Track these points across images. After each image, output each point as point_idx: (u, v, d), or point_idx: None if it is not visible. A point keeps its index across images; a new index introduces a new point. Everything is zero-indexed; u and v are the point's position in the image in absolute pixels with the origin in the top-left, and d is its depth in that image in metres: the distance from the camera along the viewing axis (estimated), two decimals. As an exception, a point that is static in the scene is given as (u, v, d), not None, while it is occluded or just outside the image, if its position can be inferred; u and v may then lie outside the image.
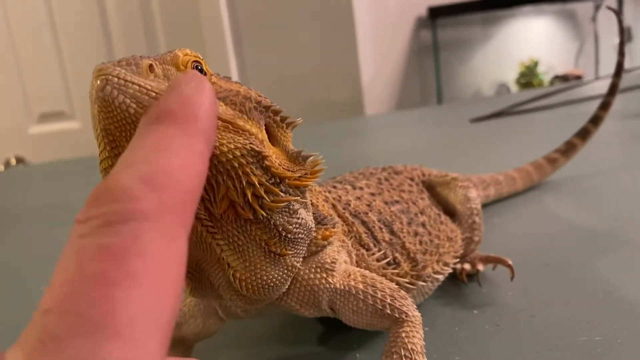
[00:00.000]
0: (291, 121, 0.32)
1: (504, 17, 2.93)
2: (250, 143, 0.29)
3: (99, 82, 0.26)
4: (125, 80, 0.26)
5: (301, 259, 0.33)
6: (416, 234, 0.43)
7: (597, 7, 3.25)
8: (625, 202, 0.66)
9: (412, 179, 0.51)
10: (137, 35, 2.34)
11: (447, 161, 0.76)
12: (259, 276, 0.31)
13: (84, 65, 2.34)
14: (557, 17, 3.23)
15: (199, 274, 0.32)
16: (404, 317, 0.34)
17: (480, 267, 0.48)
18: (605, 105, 0.76)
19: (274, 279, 0.31)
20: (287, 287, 0.33)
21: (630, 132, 1.00)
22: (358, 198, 0.42)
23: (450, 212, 0.51)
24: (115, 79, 0.26)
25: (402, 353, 0.33)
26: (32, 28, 2.28)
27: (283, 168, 0.30)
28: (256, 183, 0.29)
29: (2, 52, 2.27)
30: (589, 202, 0.69)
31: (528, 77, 2.73)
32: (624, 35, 0.77)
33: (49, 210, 1.03)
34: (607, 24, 3.29)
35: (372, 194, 0.44)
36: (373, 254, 0.39)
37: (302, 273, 0.34)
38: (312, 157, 0.32)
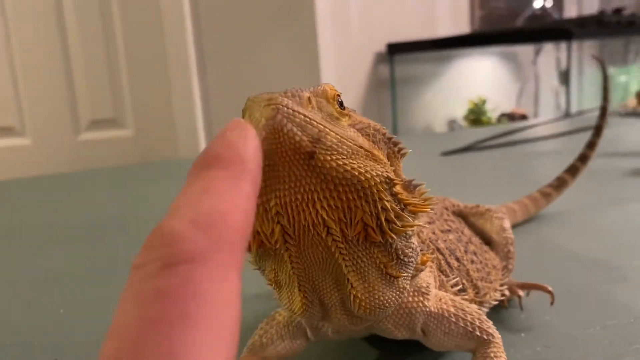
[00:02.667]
0: (405, 152, 0.35)
1: (453, 57, 3.08)
2: (386, 171, 0.31)
3: (269, 110, 0.27)
4: (293, 110, 0.28)
5: (409, 282, 0.35)
6: (472, 261, 0.46)
7: (537, 52, 3.48)
8: (619, 234, 0.72)
9: (446, 209, 0.54)
10: (100, 66, 2.30)
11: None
12: (376, 297, 0.33)
13: (37, 83, 2.27)
14: (501, 58, 3.43)
15: (312, 295, 0.33)
16: (491, 338, 0.37)
17: (521, 293, 0.52)
18: (591, 145, 0.82)
19: (388, 300, 0.33)
20: (393, 309, 0.35)
21: (596, 170, 1.08)
22: (425, 226, 0.45)
23: (485, 241, 0.54)
24: (285, 109, 0.27)
25: (492, 372, 0.36)
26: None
27: (406, 195, 0.32)
28: (389, 208, 0.31)
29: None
30: (581, 233, 0.74)
31: (476, 114, 2.87)
32: (606, 81, 0.84)
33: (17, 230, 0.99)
34: (546, 67, 3.52)
35: (429, 223, 0.47)
36: (450, 280, 0.41)
37: (403, 297, 0.36)
38: (421, 186, 0.35)
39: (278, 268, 0.33)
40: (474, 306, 0.39)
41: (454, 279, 0.42)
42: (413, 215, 0.33)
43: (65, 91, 2.29)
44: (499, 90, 3.32)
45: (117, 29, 2.29)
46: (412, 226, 0.32)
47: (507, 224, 0.55)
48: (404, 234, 0.33)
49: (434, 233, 0.45)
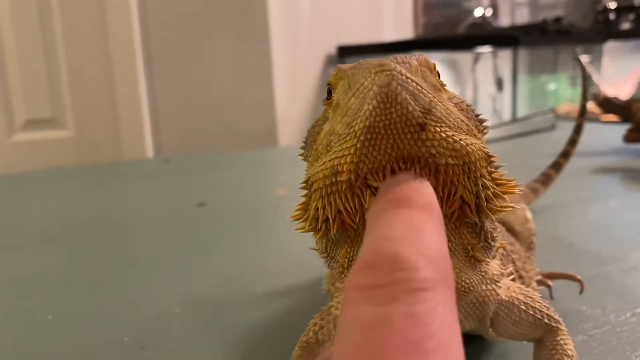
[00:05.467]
0: (487, 131, 0.33)
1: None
2: (484, 147, 0.29)
3: (383, 77, 0.25)
4: (407, 77, 0.25)
5: (488, 268, 0.33)
6: (513, 252, 0.45)
7: (475, 59, 3.59)
8: (611, 228, 0.74)
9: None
10: (33, 37, 2.15)
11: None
12: (462, 279, 0.31)
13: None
14: (443, 64, 3.52)
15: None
16: (559, 325, 0.36)
17: (550, 282, 0.51)
18: (572, 142, 0.84)
19: (473, 284, 0.32)
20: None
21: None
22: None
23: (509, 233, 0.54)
24: (400, 75, 0.25)
25: (565, 359, 0.35)
26: None
27: (498, 175, 0.31)
28: (489, 186, 0.29)
29: None
30: (571, 226, 0.76)
31: (422, 117, 2.92)
32: (585, 79, 0.86)
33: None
34: (484, 74, 3.65)
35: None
36: (506, 269, 0.40)
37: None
38: (501, 167, 0.33)
39: (353, 252, 0.30)
40: (538, 294, 0.37)
41: (509, 267, 0.40)
42: (504, 197, 0.31)
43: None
44: (441, 96, 3.40)
45: (56, 21, 2.16)
46: (508, 207, 0.30)
47: (529, 215, 0.54)
48: (492, 217, 0.31)
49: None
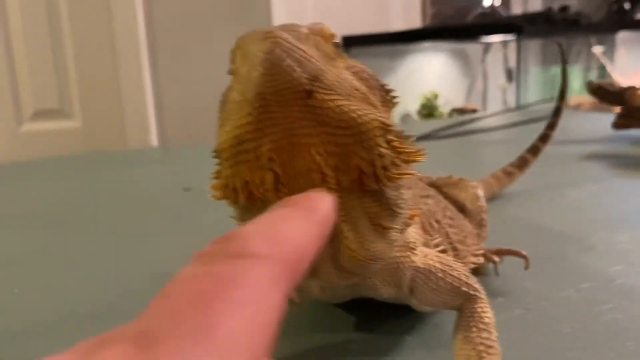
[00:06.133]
0: (397, 100, 0.34)
1: (408, 52, 3.12)
2: (381, 116, 0.30)
3: (268, 44, 0.26)
4: (292, 44, 0.26)
5: (398, 236, 0.34)
6: (451, 225, 0.46)
7: (485, 50, 3.57)
8: (577, 211, 0.74)
9: (420, 179, 0.54)
10: (41, 29, 2.19)
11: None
12: (366, 247, 0.32)
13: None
14: (452, 55, 3.50)
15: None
16: (477, 294, 0.37)
17: (496, 259, 0.52)
18: (551, 125, 0.84)
19: (379, 252, 0.32)
20: (383, 262, 0.34)
21: (553, 155, 1.11)
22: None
23: (459, 210, 0.54)
24: (284, 42, 0.26)
25: (480, 326, 0.35)
26: None
27: (400, 143, 0.31)
28: (385, 155, 0.30)
29: None
30: (546, 210, 0.76)
31: (429, 108, 2.91)
32: (565, 64, 0.86)
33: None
34: (494, 65, 3.62)
35: (409, 188, 0.46)
36: (433, 239, 0.41)
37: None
38: (411, 137, 0.34)
39: None
40: (459, 263, 0.38)
41: (437, 238, 0.41)
42: (406, 165, 0.32)
43: (6, 79, 2.18)
44: (449, 87, 3.38)
45: (63, 13, 2.19)
46: (407, 174, 0.31)
47: (480, 192, 0.55)
48: (396, 185, 0.32)
49: (414, 195, 0.44)
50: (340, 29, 2.62)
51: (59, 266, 0.64)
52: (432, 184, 0.56)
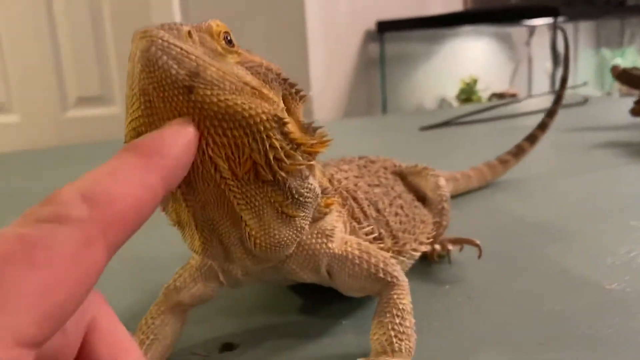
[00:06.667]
0: (304, 94, 0.35)
1: (446, 36, 3.07)
2: (273, 109, 0.31)
3: (144, 42, 0.28)
4: (169, 43, 0.28)
5: (308, 222, 0.35)
6: (396, 214, 0.47)
7: (531, 33, 3.46)
8: (565, 201, 0.73)
9: (385, 168, 0.55)
10: (83, 21, 2.28)
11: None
12: (271, 235, 0.33)
13: (26, 60, 2.27)
14: (495, 39, 3.41)
15: (210, 234, 0.34)
16: (395, 281, 0.38)
17: (450, 247, 0.53)
18: (551, 113, 0.83)
19: (285, 239, 0.34)
20: (293, 248, 0.36)
21: (565, 144, 1.09)
22: (346, 178, 0.46)
23: (421, 198, 0.55)
24: (160, 41, 0.28)
25: (394, 312, 0.37)
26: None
27: (299, 135, 0.33)
28: (278, 147, 0.31)
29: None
30: (534, 200, 0.75)
31: (467, 93, 2.86)
32: (568, 51, 0.84)
33: None
34: (540, 49, 3.50)
35: (356, 177, 0.48)
36: (363, 227, 0.42)
37: (304, 238, 0.37)
38: (321, 129, 0.35)
39: (178, 207, 0.33)
40: (383, 252, 0.39)
41: (368, 226, 0.42)
42: (308, 156, 0.33)
43: (52, 69, 2.29)
44: (492, 71, 3.30)
45: (105, 4, 2.27)
46: (302, 165, 0.33)
47: (442, 181, 0.55)
48: (299, 175, 0.33)
49: (356, 185, 0.45)
50: (375, 14, 2.61)
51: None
52: (400, 173, 0.57)
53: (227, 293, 0.45)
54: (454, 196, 0.75)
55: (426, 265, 0.52)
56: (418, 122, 1.44)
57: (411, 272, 0.50)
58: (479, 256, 0.51)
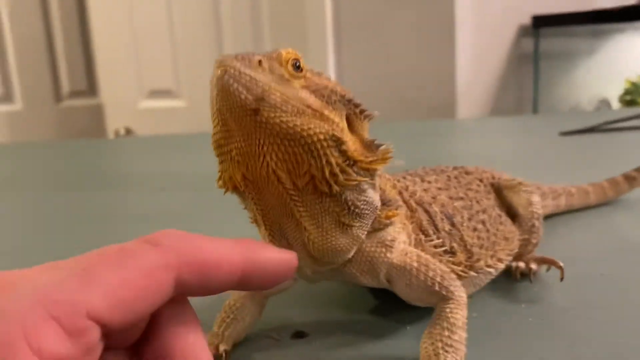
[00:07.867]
0: (368, 113, 0.38)
1: (612, 31, 2.81)
2: (332, 130, 0.35)
3: (219, 71, 0.33)
4: (240, 72, 0.33)
5: (365, 232, 0.38)
6: (475, 229, 0.48)
7: None
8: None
9: (481, 180, 0.55)
10: (245, 31, 2.46)
11: (530, 171, 0.77)
12: (328, 240, 0.37)
13: (194, 52, 2.51)
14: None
15: (279, 235, 0.38)
16: (450, 295, 0.39)
17: (534, 266, 0.52)
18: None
19: (341, 245, 0.37)
20: (351, 255, 0.39)
21: None
22: (425, 190, 0.47)
23: (512, 214, 0.55)
24: (232, 70, 0.32)
25: (445, 325, 0.39)
26: (150, 14, 2.48)
27: (357, 153, 0.36)
28: (333, 163, 0.35)
29: (123, 33, 2.49)
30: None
31: (633, 94, 2.60)
32: None
33: (150, 177, 1.15)
34: None
35: (439, 189, 0.49)
36: (431, 240, 0.44)
37: (364, 246, 0.40)
38: (384, 146, 0.38)
39: (252, 209, 0.39)
40: (442, 266, 0.41)
41: (437, 239, 0.44)
42: (365, 172, 0.36)
43: (132, 62, 2.54)
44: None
45: (265, 19, 2.42)
46: (356, 180, 0.36)
47: (535, 198, 0.54)
48: (357, 188, 0.36)
49: (434, 197, 0.47)
50: (531, 8, 2.47)
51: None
52: (497, 185, 0.57)
53: (307, 286, 0.49)
54: (568, 212, 0.72)
55: (508, 283, 0.52)
56: (565, 125, 1.35)
57: (490, 288, 0.51)
58: (561, 278, 0.49)
